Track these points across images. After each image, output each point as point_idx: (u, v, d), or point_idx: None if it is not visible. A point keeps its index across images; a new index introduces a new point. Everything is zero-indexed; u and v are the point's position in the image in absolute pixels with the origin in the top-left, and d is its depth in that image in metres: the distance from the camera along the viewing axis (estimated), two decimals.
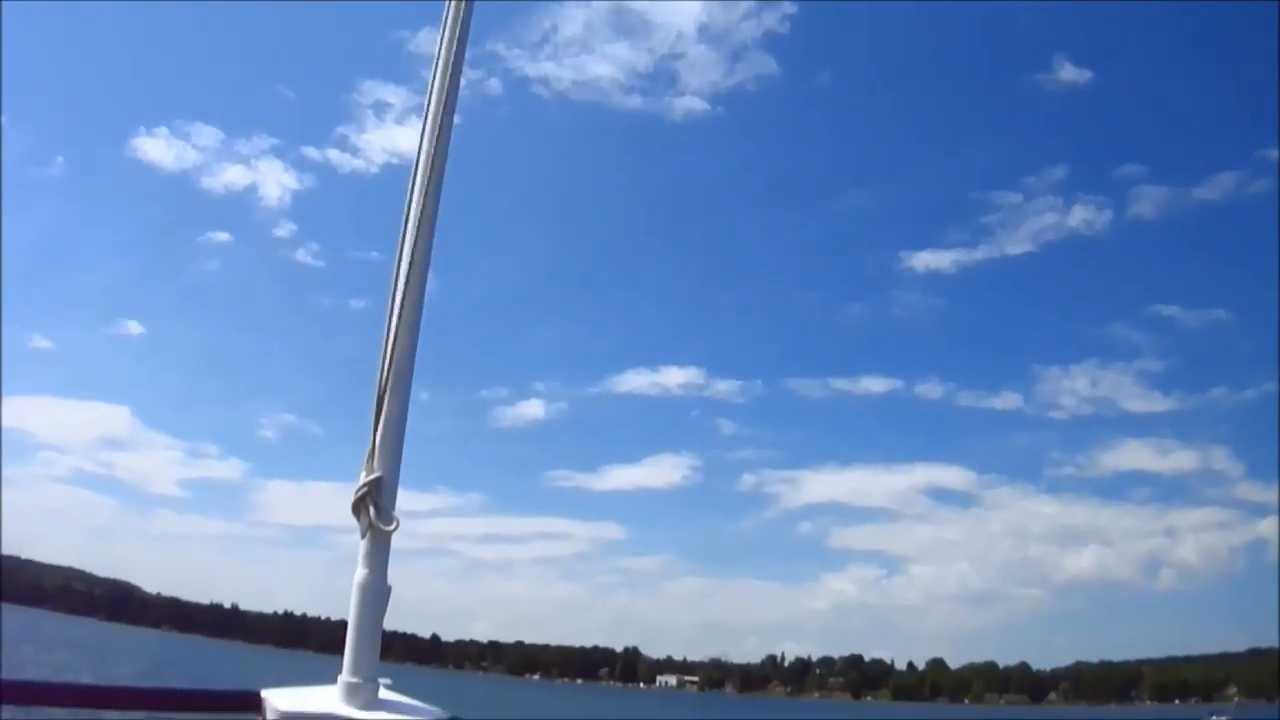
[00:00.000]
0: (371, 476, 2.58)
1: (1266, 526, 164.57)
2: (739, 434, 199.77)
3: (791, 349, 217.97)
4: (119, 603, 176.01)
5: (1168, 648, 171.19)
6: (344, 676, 2.53)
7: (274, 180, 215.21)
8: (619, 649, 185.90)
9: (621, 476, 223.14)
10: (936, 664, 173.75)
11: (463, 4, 2.98)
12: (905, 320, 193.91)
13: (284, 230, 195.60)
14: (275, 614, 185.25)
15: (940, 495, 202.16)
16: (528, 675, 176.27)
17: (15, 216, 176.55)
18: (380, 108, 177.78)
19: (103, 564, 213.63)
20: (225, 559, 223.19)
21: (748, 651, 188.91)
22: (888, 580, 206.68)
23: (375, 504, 2.57)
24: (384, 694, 2.55)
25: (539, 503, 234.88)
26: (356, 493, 2.57)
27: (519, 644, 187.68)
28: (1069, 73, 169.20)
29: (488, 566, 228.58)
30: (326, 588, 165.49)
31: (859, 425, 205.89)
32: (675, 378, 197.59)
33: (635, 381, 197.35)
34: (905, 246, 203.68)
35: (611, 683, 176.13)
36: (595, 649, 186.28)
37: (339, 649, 2.59)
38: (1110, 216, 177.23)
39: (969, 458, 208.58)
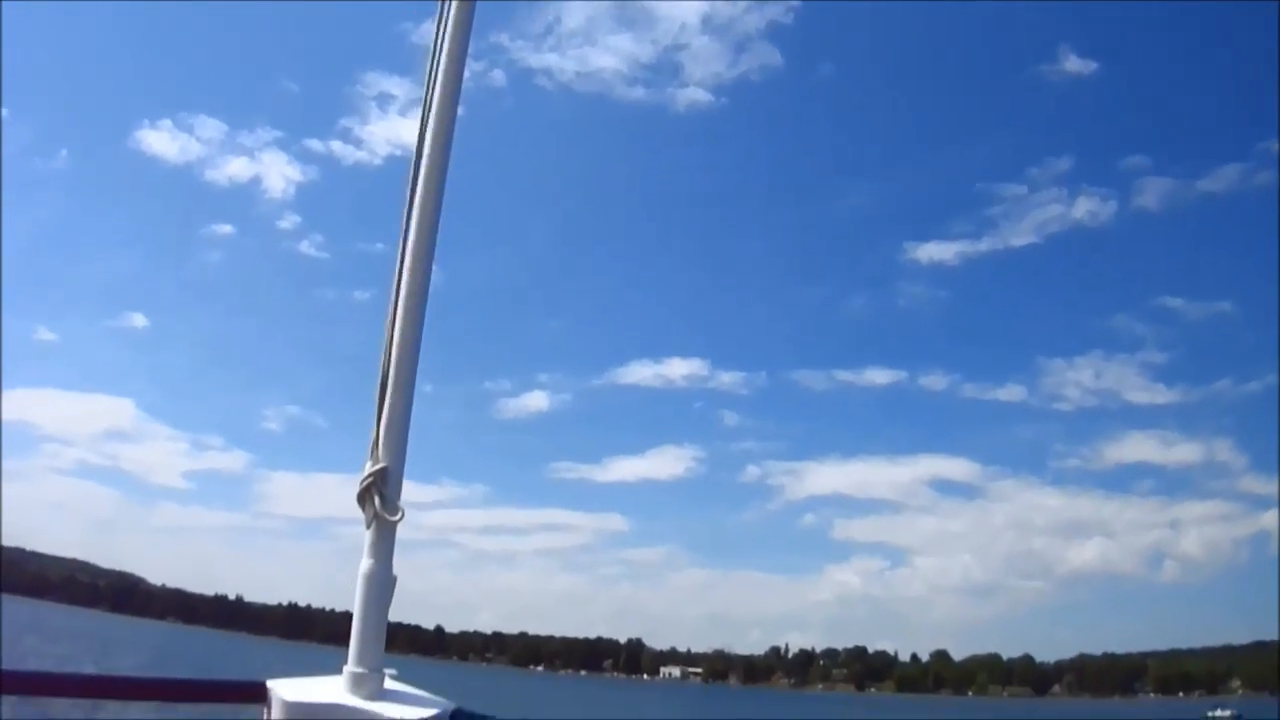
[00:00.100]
0: (377, 467, 2.58)
1: (1270, 519, 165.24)
2: (742, 425, 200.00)
3: (795, 340, 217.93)
4: (123, 594, 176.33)
5: (1171, 640, 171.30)
6: (350, 666, 2.52)
7: (277, 172, 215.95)
8: (623, 640, 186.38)
9: (625, 468, 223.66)
10: (940, 656, 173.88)
11: None
12: (909, 312, 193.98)
13: (288, 222, 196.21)
14: (280, 605, 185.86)
15: (944, 487, 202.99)
16: (531, 666, 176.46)
17: (19, 209, 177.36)
18: (383, 99, 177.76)
19: (107, 555, 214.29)
20: (229, 550, 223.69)
21: (751, 643, 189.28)
22: (891, 572, 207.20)
23: (380, 494, 2.57)
24: (390, 684, 2.55)
25: (543, 494, 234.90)
26: (361, 483, 2.57)
27: (523, 635, 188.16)
28: (1074, 64, 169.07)
29: (491, 558, 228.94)
30: (331, 579, 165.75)
31: (863, 417, 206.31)
32: (679, 369, 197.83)
33: (639, 373, 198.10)
34: (909, 238, 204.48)
35: (615, 674, 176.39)
36: (599, 640, 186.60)
37: (343, 640, 2.59)
38: (1114, 208, 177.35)
39: (973, 449, 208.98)
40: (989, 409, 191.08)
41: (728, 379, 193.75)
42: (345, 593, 2.64)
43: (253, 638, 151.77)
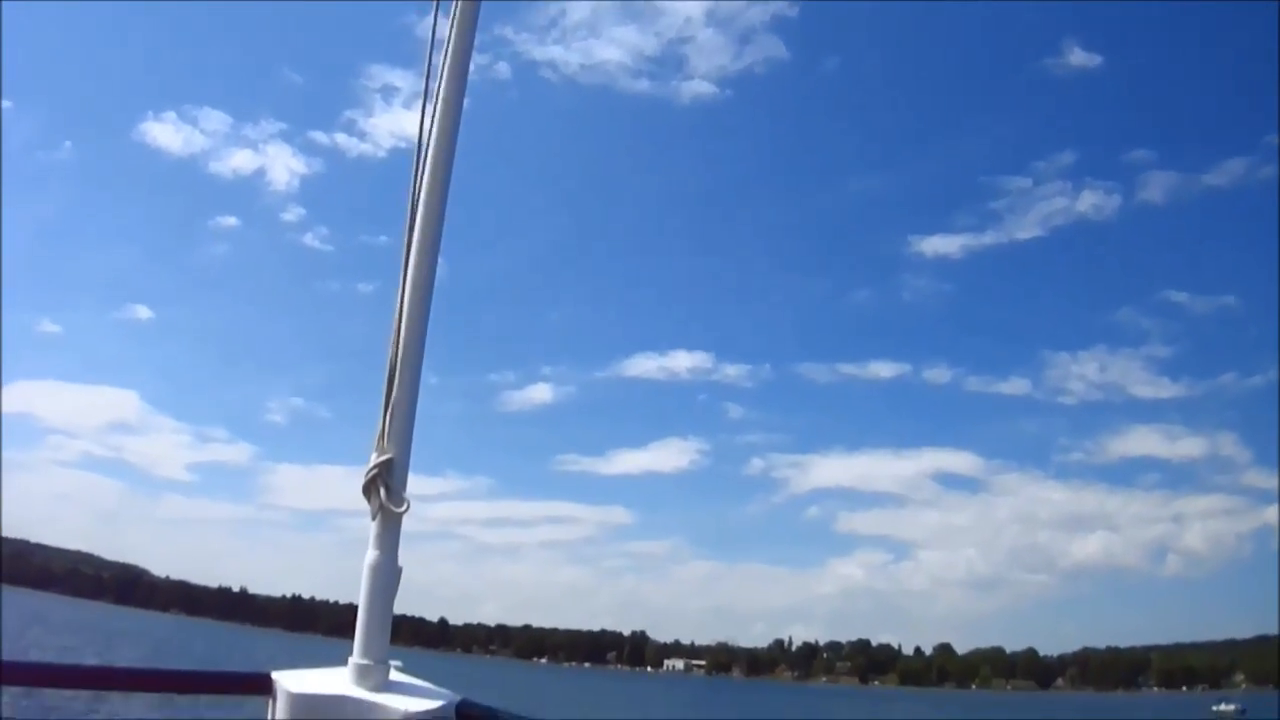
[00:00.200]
0: (382, 458, 2.57)
1: (1273, 513, 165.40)
2: (747, 418, 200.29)
3: (799, 333, 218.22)
4: (127, 586, 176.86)
5: (1174, 634, 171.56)
6: (355, 658, 2.51)
7: (282, 164, 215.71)
8: (626, 633, 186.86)
9: (629, 460, 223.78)
10: (944, 649, 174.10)
11: None
12: (913, 305, 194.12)
13: (292, 214, 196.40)
14: (284, 597, 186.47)
15: (948, 480, 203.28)
16: (535, 659, 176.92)
17: (23, 201, 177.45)
18: (388, 92, 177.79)
19: (111, 548, 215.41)
20: (234, 542, 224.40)
21: (755, 636, 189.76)
22: (895, 565, 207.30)
23: (386, 485, 2.56)
24: (395, 676, 2.54)
25: (547, 487, 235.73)
26: (367, 474, 2.56)
27: (527, 628, 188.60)
28: (1078, 57, 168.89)
29: (495, 550, 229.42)
30: (335, 571, 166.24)
31: (867, 410, 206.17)
32: (683, 362, 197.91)
33: (643, 365, 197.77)
34: (914, 231, 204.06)
35: (619, 666, 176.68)
36: (603, 633, 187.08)
37: (348, 632, 2.58)
38: (1119, 202, 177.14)
39: (977, 443, 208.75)
40: (993, 402, 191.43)
41: (732, 371, 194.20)
42: (349, 585, 2.63)
43: (257, 630, 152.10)
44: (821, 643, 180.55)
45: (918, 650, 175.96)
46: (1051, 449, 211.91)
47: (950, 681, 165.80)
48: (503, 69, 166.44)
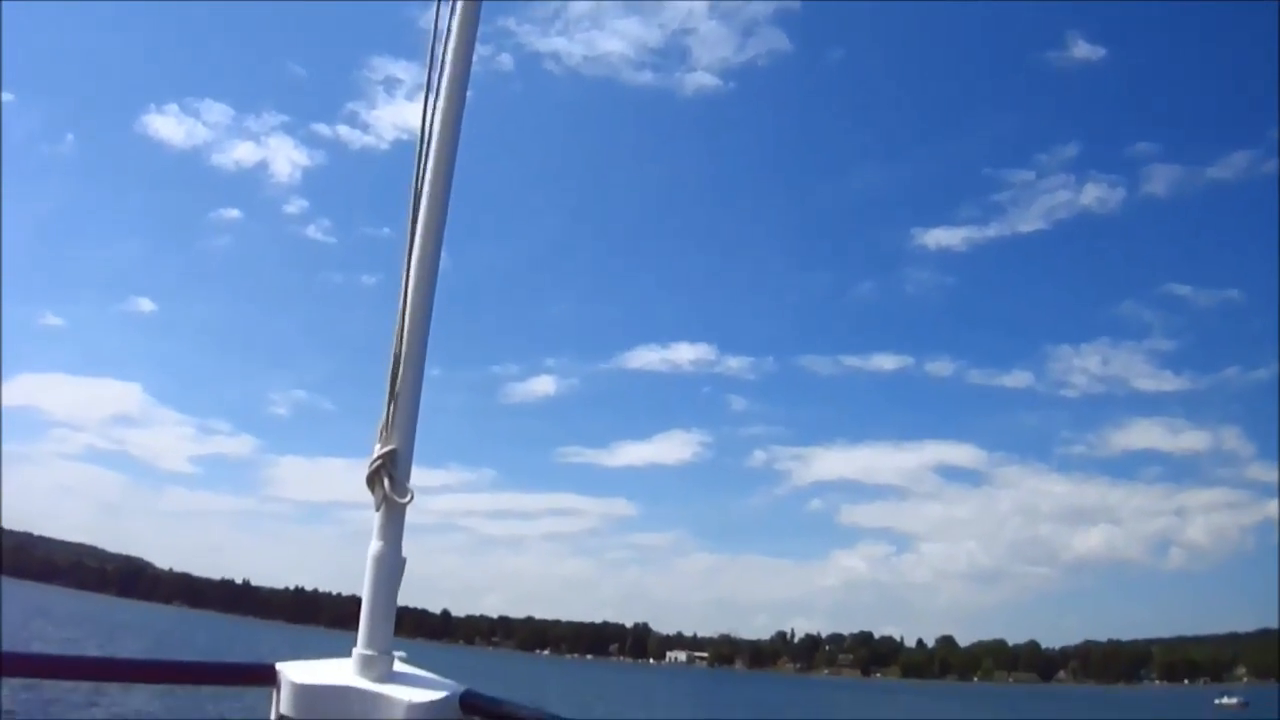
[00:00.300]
0: (386, 449, 2.57)
1: (1276, 507, 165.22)
2: (750, 410, 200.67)
3: (802, 326, 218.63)
4: (130, 579, 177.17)
5: (1176, 627, 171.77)
6: (359, 649, 2.50)
7: (284, 157, 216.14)
8: (629, 625, 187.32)
9: (632, 453, 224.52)
10: (946, 641, 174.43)
11: None
12: (916, 297, 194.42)
13: (295, 207, 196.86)
14: (287, 589, 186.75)
15: (950, 473, 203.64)
16: (538, 651, 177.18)
17: (26, 194, 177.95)
18: (391, 84, 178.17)
19: (114, 540, 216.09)
20: (237, 535, 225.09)
21: (757, 628, 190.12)
22: (897, 558, 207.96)
23: (390, 476, 2.55)
24: (399, 666, 2.54)
25: (550, 479, 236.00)
26: (371, 465, 2.56)
27: (529, 619, 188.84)
28: (1082, 50, 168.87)
29: (498, 542, 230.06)
30: (338, 563, 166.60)
31: (869, 402, 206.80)
32: (686, 354, 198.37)
33: (646, 358, 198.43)
34: (917, 224, 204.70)
35: (621, 658, 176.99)
36: (605, 625, 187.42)
37: (351, 624, 2.58)
38: (1123, 195, 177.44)
39: (979, 436, 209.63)
40: (995, 395, 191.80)
41: (735, 364, 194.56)
42: (352, 577, 2.64)
43: (260, 622, 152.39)
44: (824, 635, 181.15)
45: (920, 642, 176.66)
46: (1054, 442, 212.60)
47: (952, 674, 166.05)
48: (506, 61, 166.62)
